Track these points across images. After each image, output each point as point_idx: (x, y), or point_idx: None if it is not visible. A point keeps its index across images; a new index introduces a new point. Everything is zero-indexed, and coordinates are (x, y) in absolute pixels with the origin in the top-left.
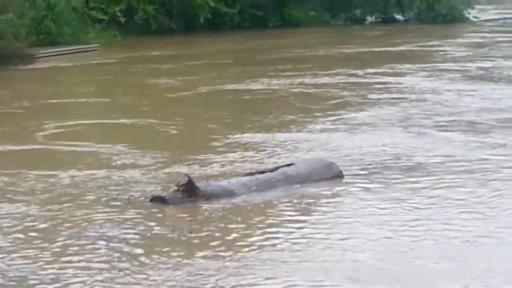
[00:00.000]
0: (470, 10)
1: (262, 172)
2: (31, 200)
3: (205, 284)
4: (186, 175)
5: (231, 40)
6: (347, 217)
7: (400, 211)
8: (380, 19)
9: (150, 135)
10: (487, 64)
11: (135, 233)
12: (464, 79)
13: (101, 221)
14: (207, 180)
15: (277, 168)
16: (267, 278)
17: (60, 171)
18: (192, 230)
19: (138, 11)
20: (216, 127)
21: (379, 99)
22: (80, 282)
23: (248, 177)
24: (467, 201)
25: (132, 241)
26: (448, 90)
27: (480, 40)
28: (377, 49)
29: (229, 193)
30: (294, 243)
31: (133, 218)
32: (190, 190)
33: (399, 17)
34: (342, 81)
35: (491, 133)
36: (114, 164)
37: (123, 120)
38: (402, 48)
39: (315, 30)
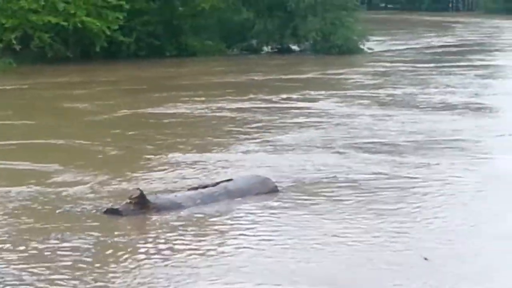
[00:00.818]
0: (365, 42)
1: (205, 187)
2: None
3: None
4: (138, 189)
5: (133, 67)
6: (283, 227)
7: (327, 221)
8: (276, 50)
9: (83, 155)
10: (396, 91)
11: (95, 241)
12: (376, 105)
13: (61, 230)
14: (156, 194)
15: (218, 183)
16: (210, 281)
17: (4, 187)
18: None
19: (34, 39)
20: (147, 147)
21: (299, 122)
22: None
23: (193, 191)
24: (389, 212)
25: (92, 249)
26: (363, 115)
27: (383, 69)
28: (284, 77)
29: (177, 206)
30: (237, 250)
31: (91, 228)
32: (141, 203)
33: (295, 47)
34: (258, 105)
35: (411, 154)
36: (56, 181)
37: (52, 141)
38: (309, 75)
39: (214, 59)
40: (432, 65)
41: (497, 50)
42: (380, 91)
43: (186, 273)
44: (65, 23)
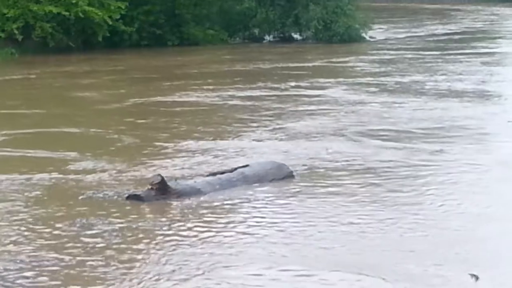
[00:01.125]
0: (367, 30)
1: (223, 173)
2: (15, 199)
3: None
4: (159, 175)
5: (138, 57)
6: (300, 212)
7: (344, 207)
8: (278, 38)
9: (99, 143)
10: (404, 79)
11: (120, 227)
12: (385, 93)
13: (86, 216)
14: (176, 180)
15: (235, 169)
16: (236, 266)
17: (25, 175)
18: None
19: (35, 29)
20: (162, 135)
21: (310, 110)
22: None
23: (211, 177)
24: (404, 199)
25: (119, 234)
26: (373, 102)
27: (389, 57)
28: (291, 65)
29: (197, 191)
30: (257, 236)
31: (115, 213)
32: (162, 189)
33: (296, 36)
34: (268, 93)
35: (422, 140)
36: (75, 169)
37: (66, 129)
38: (316, 63)
39: (217, 48)
40: (437, 52)
41: (500, 38)
42: (387, 78)
43: (214, 259)
44: (66, 13)
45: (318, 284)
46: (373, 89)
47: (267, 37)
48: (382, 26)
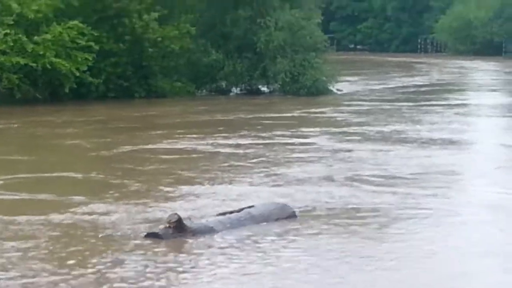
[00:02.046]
0: (334, 83)
1: (231, 212)
2: (40, 238)
3: None
4: (176, 214)
5: (109, 107)
6: (304, 249)
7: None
8: (245, 91)
9: (102, 187)
10: (384, 128)
11: (145, 264)
12: (370, 141)
13: (109, 253)
14: (190, 219)
15: (242, 209)
16: None
17: (38, 216)
18: None
19: (2, 80)
20: (165, 180)
21: (300, 157)
22: None
23: (222, 217)
24: (399, 238)
25: (144, 270)
26: (359, 150)
27: (365, 108)
28: (270, 115)
29: (210, 230)
30: (266, 271)
31: (137, 250)
32: (179, 227)
33: (264, 88)
34: (255, 141)
35: (413, 185)
36: (87, 211)
37: (65, 174)
38: (294, 114)
39: (186, 100)
40: (411, 103)
41: (469, 90)
42: (368, 128)
43: None
44: (34, 64)
45: None
46: (356, 137)
47: (234, 90)
48: (349, 79)
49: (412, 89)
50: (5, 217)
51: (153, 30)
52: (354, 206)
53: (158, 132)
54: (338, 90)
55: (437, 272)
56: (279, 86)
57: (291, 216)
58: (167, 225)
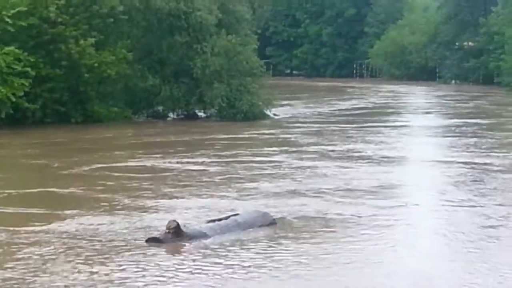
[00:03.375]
0: (270, 108)
1: (220, 220)
2: (50, 246)
3: None
4: (174, 220)
5: (53, 132)
6: (283, 253)
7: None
8: (182, 116)
9: (90, 201)
10: (339, 148)
11: (152, 265)
12: (328, 159)
13: (120, 256)
14: (185, 225)
15: (228, 217)
16: None
17: (38, 227)
18: None
19: None
20: (145, 194)
21: (266, 173)
22: None
23: (212, 223)
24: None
25: (151, 270)
26: (323, 167)
27: (311, 129)
28: (223, 136)
29: (203, 235)
30: (252, 273)
31: (142, 253)
32: (177, 232)
33: (201, 113)
34: (218, 160)
35: (374, 197)
36: (83, 222)
37: (48, 189)
38: (246, 135)
39: (126, 124)
40: (354, 125)
41: (406, 113)
42: (322, 147)
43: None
44: None
45: None
46: (314, 155)
47: (171, 114)
48: (286, 102)
49: (350, 112)
50: (10, 228)
51: (89, 56)
52: (323, 215)
53: (119, 152)
54: (274, 114)
55: (395, 266)
56: (216, 111)
57: (272, 223)
58: (167, 231)
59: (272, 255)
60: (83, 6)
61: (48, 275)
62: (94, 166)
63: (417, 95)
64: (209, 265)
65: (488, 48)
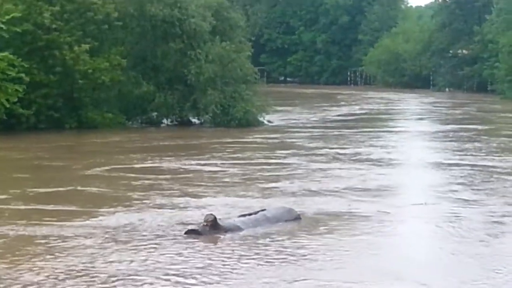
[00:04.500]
0: (264, 115)
1: (250, 214)
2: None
3: None
4: (211, 214)
5: (57, 136)
6: (309, 244)
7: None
8: (176, 122)
9: (118, 199)
10: (345, 151)
11: (195, 254)
12: (337, 161)
13: (163, 247)
14: (219, 219)
15: (257, 212)
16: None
17: (77, 222)
18: None
19: None
20: (173, 192)
21: (281, 174)
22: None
23: (244, 218)
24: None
25: (197, 259)
26: (335, 169)
27: (313, 134)
28: (229, 140)
29: (237, 228)
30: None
31: (184, 244)
32: (214, 225)
33: (194, 120)
34: (234, 162)
35: (386, 196)
36: (121, 217)
37: (77, 188)
38: (250, 139)
39: (124, 130)
40: (353, 130)
41: (402, 119)
42: (327, 150)
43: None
44: None
45: None
46: (324, 158)
47: (165, 121)
48: (279, 109)
49: (347, 118)
50: (55, 223)
51: (83, 62)
52: (342, 211)
53: (132, 155)
54: (268, 121)
55: (410, 255)
56: (209, 117)
57: (297, 218)
58: (205, 223)
59: (299, 246)
60: (77, 13)
61: (103, 263)
62: (109, 167)
63: (412, 102)
64: (244, 254)
65: (482, 56)
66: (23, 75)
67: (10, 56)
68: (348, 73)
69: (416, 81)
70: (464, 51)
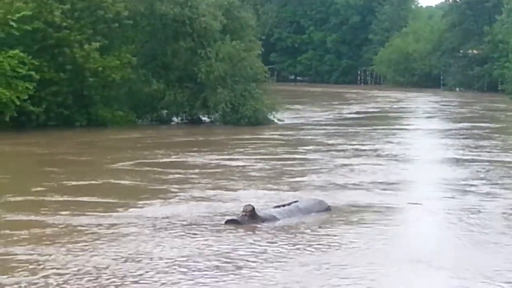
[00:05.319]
0: (274, 113)
1: (284, 206)
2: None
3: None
4: (250, 204)
5: (71, 134)
6: (341, 234)
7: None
8: (186, 120)
9: (152, 191)
10: (364, 147)
11: (233, 240)
12: (359, 157)
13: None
14: (257, 209)
15: (290, 203)
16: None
17: (125, 213)
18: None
19: None
20: (205, 185)
21: (307, 169)
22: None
23: (279, 208)
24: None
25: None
26: (360, 164)
27: (331, 131)
28: (248, 136)
29: (273, 218)
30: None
31: (226, 234)
32: (253, 215)
33: (204, 118)
34: (259, 157)
35: (405, 190)
36: (153, 209)
37: (112, 181)
38: (267, 136)
39: (132, 128)
40: (367, 128)
41: (415, 117)
42: (346, 146)
43: (304, 261)
44: None
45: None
46: (345, 154)
47: (175, 119)
48: (289, 107)
49: (359, 116)
50: (99, 214)
51: (94, 60)
52: (369, 203)
53: (156, 150)
54: (279, 120)
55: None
56: (219, 116)
57: (327, 209)
58: (243, 214)
59: (334, 234)
60: (88, 11)
61: (156, 249)
62: (135, 162)
63: (422, 102)
64: (283, 242)
65: (492, 56)
66: (33, 72)
67: (21, 54)
68: (358, 73)
69: (426, 81)
70: (474, 51)
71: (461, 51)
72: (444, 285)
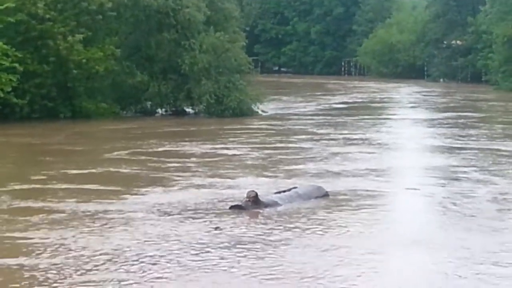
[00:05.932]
0: (258, 104)
1: (284, 191)
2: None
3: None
4: (253, 190)
5: (58, 126)
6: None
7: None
8: (170, 112)
9: (154, 179)
10: (353, 136)
11: (239, 224)
12: (347, 145)
13: (212, 221)
14: (260, 195)
15: (289, 189)
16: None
17: (117, 201)
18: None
19: None
20: (206, 173)
21: (301, 157)
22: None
23: (280, 194)
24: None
25: (244, 231)
26: (353, 152)
27: (321, 121)
28: (235, 126)
29: (275, 203)
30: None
31: (229, 218)
32: (256, 201)
33: (189, 110)
34: (251, 146)
35: (397, 177)
36: (154, 196)
37: (112, 169)
38: (257, 126)
39: (117, 119)
40: (354, 118)
41: (401, 107)
42: (338, 135)
43: (314, 248)
44: None
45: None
46: (337, 142)
47: (159, 111)
48: (273, 97)
49: (344, 106)
50: (103, 201)
51: (77, 52)
52: (364, 189)
53: (148, 140)
54: (263, 111)
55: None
56: (204, 107)
57: (326, 195)
58: (247, 199)
59: (333, 219)
60: (71, 3)
61: (168, 230)
62: (130, 151)
63: (407, 92)
64: (288, 225)
65: (476, 46)
66: (16, 65)
67: (4, 46)
68: (342, 64)
69: (410, 72)
70: (458, 41)
71: (444, 42)
72: (440, 265)
